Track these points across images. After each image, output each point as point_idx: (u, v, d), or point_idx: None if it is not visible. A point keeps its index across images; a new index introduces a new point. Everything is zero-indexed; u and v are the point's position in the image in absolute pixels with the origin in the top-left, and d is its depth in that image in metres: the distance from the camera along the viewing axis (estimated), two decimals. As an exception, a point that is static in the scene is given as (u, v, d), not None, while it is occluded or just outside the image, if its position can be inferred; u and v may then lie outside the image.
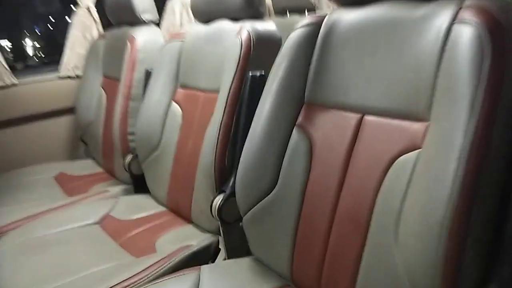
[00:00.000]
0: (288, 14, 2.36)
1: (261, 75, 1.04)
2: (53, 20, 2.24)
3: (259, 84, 1.02)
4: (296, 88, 0.89)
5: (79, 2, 1.87)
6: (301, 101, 0.89)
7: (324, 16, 0.89)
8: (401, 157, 0.69)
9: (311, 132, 0.86)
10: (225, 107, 1.06)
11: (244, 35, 1.09)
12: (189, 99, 1.32)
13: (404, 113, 0.71)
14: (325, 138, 0.84)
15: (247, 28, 1.10)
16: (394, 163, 0.70)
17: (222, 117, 1.06)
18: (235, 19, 1.21)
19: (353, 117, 0.80)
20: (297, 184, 0.85)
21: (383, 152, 0.73)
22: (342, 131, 0.81)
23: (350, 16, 0.84)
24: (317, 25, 0.88)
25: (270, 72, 0.93)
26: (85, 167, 1.84)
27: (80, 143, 1.99)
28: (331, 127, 0.83)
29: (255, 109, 0.96)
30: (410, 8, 0.74)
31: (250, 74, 1.04)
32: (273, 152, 0.89)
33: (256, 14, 1.17)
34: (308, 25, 0.89)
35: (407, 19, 0.74)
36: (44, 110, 1.95)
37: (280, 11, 2.39)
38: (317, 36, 0.88)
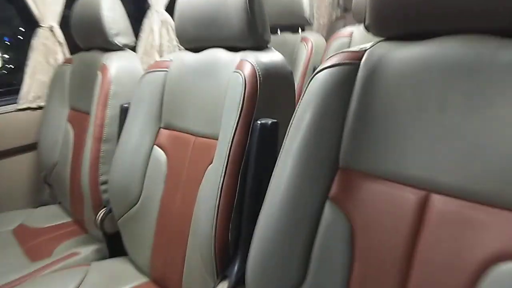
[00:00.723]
0: (279, 32, 2.15)
1: (272, 123, 0.80)
2: (8, 43, 1.95)
3: (270, 136, 0.79)
4: (326, 147, 0.66)
5: (40, 22, 1.60)
6: (334, 166, 0.66)
7: (362, 52, 0.67)
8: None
9: (351, 209, 0.63)
10: (226, 164, 0.81)
11: (247, 70, 0.85)
12: (176, 143, 1.07)
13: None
14: (371, 219, 0.61)
15: (250, 61, 0.87)
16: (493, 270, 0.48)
17: (223, 177, 0.81)
18: (232, 48, 0.98)
19: (414, 194, 0.57)
20: (337, 280, 0.62)
21: (471, 249, 0.51)
22: (397, 211, 0.59)
23: (404, 53, 0.62)
24: (354, 65, 0.66)
25: (290, 124, 0.69)
26: (50, 215, 1.56)
27: (44, 185, 1.70)
28: (380, 205, 0.61)
29: (265, 168, 0.73)
30: (496, 47, 0.53)
31: (259, 122, 0.81)
32: (299, 235, 0.65)
33: (259, 43, 0.94)
34: (340, 63, 0.67)
35: (494, 63, 0.53)
36: (1, 148, 1.65)
37: (271, 29, 2.18)
38: (355, 79, 0.65)
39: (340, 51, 0.69)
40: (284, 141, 0.69)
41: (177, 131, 1.08)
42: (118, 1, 1.36)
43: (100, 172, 1.24)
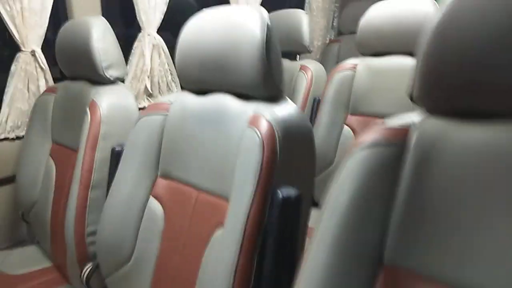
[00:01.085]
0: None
1: (296, 196, 0.70)
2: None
3: (293, 210, 0.69)
4: (369, 240, 0.56)
5: (21, 45, 1.46)
6: (378, 261, 0.56)
7: (406, 129, 0.58)
8: None
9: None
10: (241, 240, 0.71)
11: (264, 129, 0.75)
12: (176, 196, 0.96)
13: None
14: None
15: (266, 116, 0.77)
16: None
17: (238, 255, 0.71)
18: (242, 95, 0.88)
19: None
20: None
21: None
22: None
23: (467, 137, 0.52)
24: (400, 146, 0.57)
25: (325, 205, 0.59)
26: (28, 258, 1.41)
27: (22, 222, 1.55)
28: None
29: (285, 246, 0.63)
30: None
31: (281, 194, 0.71)
32: None
33: (275, 93, 0.84)
34: (384, 144, 0.57)
35: None
36: (-26, 181, 1.50)
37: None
38: (402, 163, 0.56)
39: (380, 126, 0.60)
40: (318, 224, 0.59)
41: (177, 181, 0.97)
42: (110, 29, 1.24)
43: (87, 222, 1.11)
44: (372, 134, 0.58)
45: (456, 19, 0.53)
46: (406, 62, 1.47)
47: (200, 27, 0.94)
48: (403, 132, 0.57)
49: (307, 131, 0.80)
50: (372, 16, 1.52)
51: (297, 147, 0.77)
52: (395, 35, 1.47)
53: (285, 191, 0.71)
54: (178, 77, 1.02)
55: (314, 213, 0.74)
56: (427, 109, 0.58)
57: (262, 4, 2.27)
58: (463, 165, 0.51)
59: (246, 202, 0.72)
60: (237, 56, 0.84)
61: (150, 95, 1.91)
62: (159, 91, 1.94)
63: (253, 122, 0.78)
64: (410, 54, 1.47)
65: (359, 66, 1.59)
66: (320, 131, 1.64)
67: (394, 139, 0.57)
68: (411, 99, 0.59)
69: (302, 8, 2.66)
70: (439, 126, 0.55)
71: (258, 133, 0.75)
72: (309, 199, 0.79)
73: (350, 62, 1.63)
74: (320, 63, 2.76)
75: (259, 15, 0.84)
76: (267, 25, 0.82)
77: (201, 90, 0.97)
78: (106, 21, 1.23)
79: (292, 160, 0.76)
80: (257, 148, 0.73)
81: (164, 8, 1.79)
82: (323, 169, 1.62)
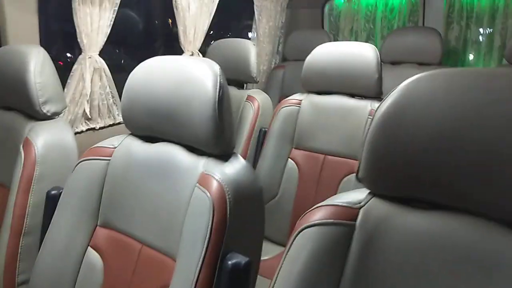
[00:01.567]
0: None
1: (246, 263, 0.70)
2: None
3: (242, 278, 0.69)
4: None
5: None
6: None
7: (354, 207, 0.60)
8: None
9: None
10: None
11: (214, 191, 0.74)
12: (117, 248, 0.92)
13: None
14: None
15: (217, 177, 0.76)
16: None
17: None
18: (190, 147, 0.86)
19: None
20: None
21: None
22: None
23: (408, 223, 0.56)
24: (347, 226, 0.59)
25: (277, 278, 0.60)
26: None
27: None
28: None
29: None
30: (506, 241, 0.50)
31: (230, 261, 0.70)
32: None
33: (226, 150, 0.84)
34: (331, 223, 0.59)
35: (502, 259, 0.49)
36: None
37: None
38: (350, 241, 0.59)
39: (327, 203, 0.62)
40: None
41: (118, 232, 0.92)
42: (49, 59, 1.17)
43: (17, 271, 1.02)
44: (321, 212, 0.60)
45: (401, 112, 0.56)
46: (348, 103, 1.55)
47: (150, 73, 0.91)
48: (350, 212, 0.60)
49: (257, 192, 0.81)
50: (317, 56, 1.58)
51: (247, 209, 0.78)
52: (338, 76, 1.54)
53: (235, 257, 0.71)
54: (123, 119, 0.98)
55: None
56: (372, 191, 0.61)
57: (211, 29, 2.26)
58: (402, 252, 0.55)
59: (194, 266, 0.71)
60: (188, 110, 0.83)
61: (88, 119, 1.82)
62: (99, 115, 1.86)
63: (204, 182, 0.77)
64: (351, 95, 1.55)
65: (304, 102, 1.64)
66: (265, 164, 1.66)
67: (342, 218, 0.59)
68: (358, 179, 0.62)
69: (249, 32, 2.71)
70: (383, 208, 0.59)
71: (209, 195, 0.74)
72: (257, 264, 0.80)
73: (295, 97, 1.67)
74: (266, 87, 2.84)
75: (212, 70, 0.84)
76: (220, 82, 0.82)
77: (148, 137, 0.94)
78: (44, 51, 1.16)
79: (242, 223, 0.76)
80: (207, 212, 0.72)
81: (107, 30, 1.72)
82: (267, 202, 1.64)
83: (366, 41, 2.86)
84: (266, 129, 1.72)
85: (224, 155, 0.84)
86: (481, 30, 2.39)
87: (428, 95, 0.54)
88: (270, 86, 2.82)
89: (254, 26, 2.67)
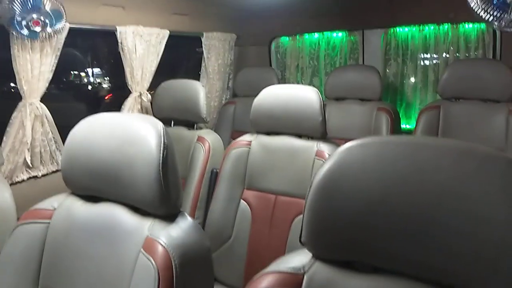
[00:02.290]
0: (172, 124, 2.05)
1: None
2: None
3: None
4: None
5: None
6: None
7: (298, 273, 0.62)
8: None
9: None
10: None
11: (160, 258, 0.73)
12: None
13: None
14: None
15: (162, 242, 0.75)
16: None
17: None
18: (135, 208, 0.85)
19: None
20: None
21: None
22: None
23: (353, 285, 0.58)
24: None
25: None
26: None
27: None
28: None
29: None
30: None
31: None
32: None
33: (172, 211, 0.83)
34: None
35: None
36: None
37: (164, 120, 2.07)
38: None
39: (273, 269, 0.63)
40: None
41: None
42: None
43: None
44: (266, 281, 0.61)
45: (336, 179, 0.59)
46: (295, 143, 1.59)
47: (92, 132, 0.89)
48: (295, 278, 0.61)
49: (204, 252, 0.80)
50: (264, 99, 1.63)
51: (195, 273, 0.77)
52: (284, 118, 1.59)
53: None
54: (64, 180, 0.94)
55: None
56: (316, 255, 0.63)
57: (161, 65, 2.26)
58: None
59: None
60: (131, 171, 0.81)
61: (30, 167, 1.73)
62: (41, 162, 1.77)
63: (148, 247, 0.75)
64: (298, 135, 1.60)
65: (254, 143, 1.67)
66: (218, 206, 1.65)
67: (287, 286, 0.60)
68: (301, 243, 0.64)
69: (199, 71, 2.74)
70: (326, 273, 0.60)
71: (154, 263, 0.72)
72: None
73: (245, 138, 1.70)
74: (217, 122, 2.86)
75: (155, 130, 0.83)
76: (164, 142, 0.82)
77: (91, 197, 0.91)
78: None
79: (190, 285, 0.74)
80: (152, 281, 0.71)
81: (49, 76, 1.67)
82: (221, 245, 1.62)
83: (312, 78, 2.99)
84: (218, 170, 1.72)
85: (171, 216, 0.83)
86: (416, 66, 2.57)
87: (360, 163, 0.58)
88: (221, 121, 2.85)
89: (203, 64, 2.70)
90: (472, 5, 1.25)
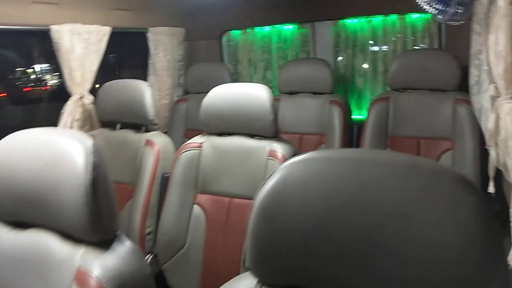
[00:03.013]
0: (118, 128, 1.93)
1: None
2: None
3: None
4: None
5: None
6: None
7: None
8: None
9: None
10: None
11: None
12: None
13: None
14: None
15: (95, 274, 0.68)
16: None
17: None
18: (64, 234, 0.76)
19: None
20: None
21: None
22: None
23: None
24: None
25: None
26: None
27: None
28: None
29: None
30: None
31: None
32: None
33: (106, 236, 0.75)
34: None
35: None
36: None
37: (109, 124, 1.95)
38: None
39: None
40: None
41: None
42: None
43: None
44: None
45: (278, 200, 0.55)
46: (247, 144, 1.54)
47: (14, 152, 0.80)
48: None
49: (144, 279, 0.74)
50: (213, 99, 1.56)
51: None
52: (235, 118, 1.53)
53: None
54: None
55: None
56: (261, 280, 0.58)
57: (106, 63, 2.12)
58: None
59: None
60: (58, 195, 0.73)
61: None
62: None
63: (80, 280, 0.68)
64: (250, 135, 1.55)
65: (205, 145, 1.60)
66: (169, 213, 1.58)
67: None
68: (245, 268, 0.59)
69: (146, 67, 2.61)
70: None
71: None
72: None
73: (196, 140, 1.63)
74: (170, 121, 2.75)
75: (83, 148, 0.75)
76: (93, 161, 0.74)
77: (17, 223, 0.82)
78: None
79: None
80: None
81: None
82: (175, 253, 1.55)
83: (265, 71, 2.94)
84: (169, 174, 1.64)
85: (106, 242, 0.75)
86: (365, 57, 2.59)
87: (302, 182, 0.53)
88: (174, 120, 2.74)
89: (151, 60, 2.58)
90: (415, -1, 1.25)
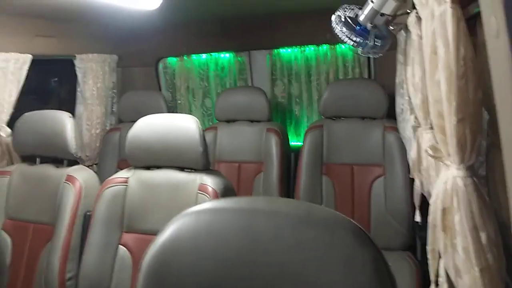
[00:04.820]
0: (38, 162, 1.78)
1: None
2: None
3: None
4: None
5: None
6: None
7: None
8: None
9: None
10: None
11: None
12: None
13: None
14: None
15: None
16: None
17: None
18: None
19: None
20: None
21: None
22: None
23: None
24: None
25: None
26: None
27: None
28: None
29: None
30: None
31: None
32: None
33: None
34: None
35: None
36: None
37: (28, 158, 1.79)
38: None
39: None
40: None
41: None
42: None
43: None
44: None
45: (168, 258, 0.49)
46: (177, 177, 1.47)
47: None
48: None
49: None
50: (139, 130, 1.48)
51: None
52: (163, 150, 1.46)
53: None
54: None
55: None
56: None
57: (29, 93, 1.97)
58: None
59: None
60: None
61: None
62: None
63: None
64: (181, 168, 1.48)
65: (131, 179, 1.51)
66: (91, 255, 1.45)
67: None
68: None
69: (74, 96, 2.47)
70: None
71: None
72: None
73: (121, 175, 1.53)
74: (101, 151, 2.60)
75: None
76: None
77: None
78: None
79: None
80: None
81: None
82: None
83: (203, 99, 2.90)
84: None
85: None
86: (300, 85, 2.64)
87: (192, 238, 0.48)
88: (106, 150, 2.60)
89: (79, 88, 2.44)
90: (336, 32, 1.27)
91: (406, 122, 1.71)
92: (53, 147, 1.70)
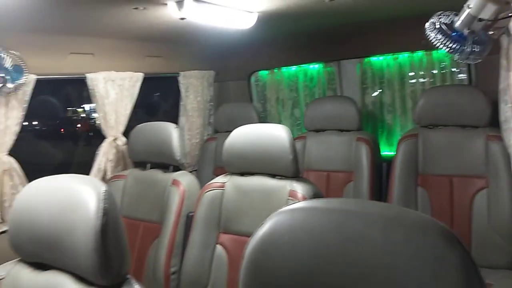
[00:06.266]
0: (148, 167, 2.01)
1: None
2: None
3: None
4: None
5: None
6: None
7: None
8: None
9: None
10: None
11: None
12: None
13: None
14: None
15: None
16: None
17: None
18: (78, 276, 0.80)
19: None
20: None
21: None
22: None
23: None
24: None
25: None
26: None
27: None
28: None
29: None
30: None
31: None
32: None
33: (115, 281, 0.78)
34: None
35: None
36: None
37: (139, 164, 2.04)
38: None
39: None
40: None
41: None
42: None
43: None
44: None
45: (266, 249, 0.56)
46: (268, 183, 1.55)
47: (36, 196, 0.86)
48: None
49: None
50: (235, 139, 1.60)
51: None
52: (256, 158, 1.55)
53: None
54: (12, 247, 0.90)
55: None
56: None
57: (141, 105, 2.25)
58: None
59: None
60: (71, 239, 0.78)
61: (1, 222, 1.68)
62: (12, 216, 1.72)
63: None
64: (272, 175, 1.56)
65: (228, 184, 1.63)
66: (193, 253, 1.59)
67: None
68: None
69: (177, 109, 2.73)
70: None
71: None
72: None
73: (218, 180, 1.66)
74: (200, 159, 2.82)
75: (96, 194, 0.79)
76: (104, 208, 0.78)
77: (39, 264, 0.87)
78: None
79: None
80: None
81: (17, 129, 1.65)
82: None
83: (292, 109, 2.98)
84: (193, 213, 1.67)
85: (115, 285, 0.78)
86: (393, 94, 2.57)
87: (288, 233, 0.54)
88: (204, 158, 2.82)
89: (182, 102, 2.69)
90: (430, 39, 1.25)
91: (511, 131, 1.58)
92: (161, 154, 1.92)
